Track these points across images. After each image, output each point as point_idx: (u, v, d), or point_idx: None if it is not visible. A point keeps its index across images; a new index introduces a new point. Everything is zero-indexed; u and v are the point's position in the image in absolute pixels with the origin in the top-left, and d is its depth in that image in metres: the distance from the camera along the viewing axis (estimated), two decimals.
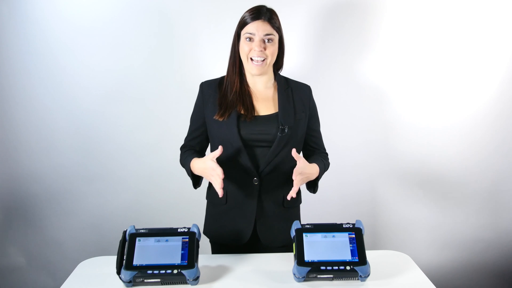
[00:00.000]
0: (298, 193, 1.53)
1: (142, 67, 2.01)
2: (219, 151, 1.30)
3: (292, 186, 1.46)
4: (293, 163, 1.46)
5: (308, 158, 1.52)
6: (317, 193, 2.04)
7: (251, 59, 1.38)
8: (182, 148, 1.54)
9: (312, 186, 1.47)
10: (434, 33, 1.99)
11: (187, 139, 1.53)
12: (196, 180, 1.47)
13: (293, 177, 1.30)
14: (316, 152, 1.54)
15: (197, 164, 1.40)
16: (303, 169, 1.33)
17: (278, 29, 1.39)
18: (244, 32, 1.37)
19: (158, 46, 1.99)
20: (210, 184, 1.53)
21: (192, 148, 1.51)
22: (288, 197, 1.31)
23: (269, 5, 1.41)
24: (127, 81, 2.02)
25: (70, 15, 1.93)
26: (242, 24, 1.39)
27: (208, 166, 1.32)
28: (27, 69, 1.99)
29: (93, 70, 2.00)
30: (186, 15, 1.96)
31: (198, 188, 1.50)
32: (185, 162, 1.46)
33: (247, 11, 1.38)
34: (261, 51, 1.36)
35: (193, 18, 1.96)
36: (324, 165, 1.48)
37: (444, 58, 2.02)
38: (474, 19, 1.97)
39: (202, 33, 1.98)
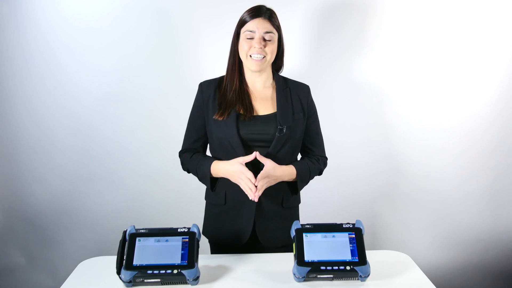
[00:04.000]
0: (296, 195, 1.52)
1: (142, 67, 2.01)
2: (251, 157, 1.33)
3: (290, 187, 1.47)
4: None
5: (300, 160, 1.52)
6: (317, 193, 2.04)
7: (250, 56, 1.38)
8: (183, 152, 1.52)
9: (294, 188, 1.47)
10: (434, 33, 1.99)
11: (187, 142, 1.52)
12: (213, 183, 1.46)
13: (256, 182, 1.31)
14: (311, 154, 1.53)
15: (223, 167, 1.39)
16: (270, 172, 1.34)
17: (278, 28, 1.40)
18: (244, 30, 1.38)
19: (158, 46, 1.99)
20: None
21: (197, 151, 1.50)
22: (254, 199, 1.32)
23: (269, 6, 1.42)
24: (127, 81, 2.02)
25: (70, 15, 1.93)
26: (241, 22, 1.39)
27: (237, 170, 1.33)
28: (27, 69, 1.99)
29: (93, 70, 2.00)
30: (186, 15, 1.96)
31: (197, 189, 1.50)
32: (198, 166, 1.44)
33: (246, 11, 1.39)
34: (261, 48, 1.36)
35: (193, 18, 1.96)
36: (308, 168, 1.45)
37: (444, 58, 2.02)
38: (474, 19, 1.97)
39: (202, 33, 1.98)
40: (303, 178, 1.45)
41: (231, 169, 1.36)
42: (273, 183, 1.38)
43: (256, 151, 1.38)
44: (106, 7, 1.93)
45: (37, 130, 2.07)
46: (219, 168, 1.40)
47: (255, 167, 1.38)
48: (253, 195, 1.31)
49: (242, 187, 1.34)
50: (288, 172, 1.41)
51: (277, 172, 1.36)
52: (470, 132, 2.11)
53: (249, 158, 1.34)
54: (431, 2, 1.96)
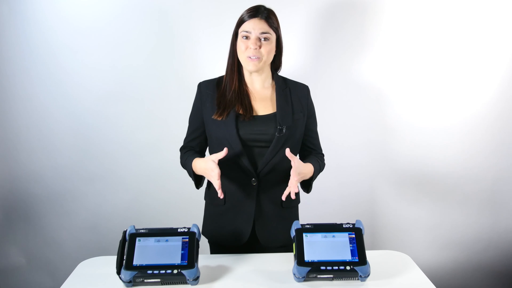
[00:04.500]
0: (297, 193, 1.53)
1: (142, 67, 2.01)
2: (223, 153, 1.31)
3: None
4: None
5: (304, 158, 1.52)
6: (317, 193, 2.04)
7: (247, 56, 1.38)
8: (181, 149, 1.54)
9: (306, 185, 1.47)
10: (434, 33, 1.99)
11: (186, 140, 1.53)
12: (198, 180, 1.47)
13: (292, 178, 1.30)
14: (313, 153, 1.54)
15: (198, 164, 1.40)
16: (301, 169, 1.34)
17: (276, 29, 1.39)
18: (241, 30, 1.38)
19: (158, 46, 1.99)
20: (208, 185, 1.53)
21: (192, 149, 1.52)
22: (283, 197, 1.33)
23: (268, 6, 1.41)
24: (127, 81, 2.02)
25: (70, 15, 1.93)
26: (239, 22, 1.39)
27: (208, 167, 1.33)
28: (27, 69, 1.99)
29: (93, 70, 2.00)
30: (186, 15, 1.96)
31: (198, 188, 1.50)
32: (186, 162, 1.46)
33: (245, 10, 1.39)
34: (256, 49, 1.35)
35: (193, 18, 1.96)
36: (319, 166, 1.48)
37: (443, 58, 2.02)
38: (474, 19, 1.97)
39: (202, 33, 1.97)
40: (316, 175, 1.46)
41: (204, 166, 1.36)
42: (301, 180, 1.38)
43: (255, 151, 1.39)
44: (106, 7, 1.93)
45: (37, 130, 2.07)
46: (196, 166, 1.41)
47: (254, 166, 1.39)
48: (220, 193, 1.30)
49: (213, 183, 1.33)
50: (309, 170, 1.41)
51: (304, 169, 1.37)
52: (470, 132, 2.11)
53: (221, 154, 1.31)
54: (431, 2, 1.95)
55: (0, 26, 1.93)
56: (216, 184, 1.29)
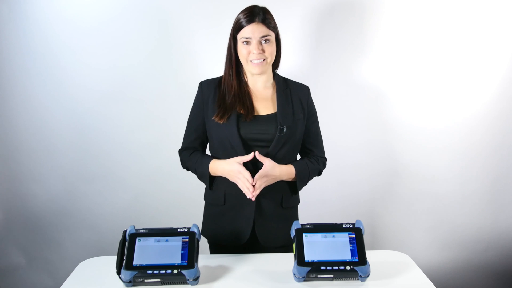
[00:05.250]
0: (295, 193, 1.52)
1: (142, 67, 2.01)
2: (250, 156, 1.33)
3: (290, 186, 1.47)
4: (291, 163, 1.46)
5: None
6: (317, 193, 2.04)
7: (251, 61, 1.38)
8: (182, 150, 1.52)
9: (294, 187, 1.47)
10: (433, 33, 1.99)
11: (187, 141, 1.52)
12: (211, 181, 1.46)
13: (253, 182, 1.32)
14: (310, 155, 1.53)
15: (220, 165, 1.40)
16: (268, 171, 1.34)
17: (274, 28, 1.39)
18: (241, 36, 1.37)
19: (158, 46, 1.99)
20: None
21: (196, 149, 1.50)
22: (252, 198, 1.34)
23: (268, 6, 1.41)
24: (127, 81, 2.02)
25: (70, 15, 1.93)
26: (237, 27, 1.38)
27: (235, 169, 1.34)
28: (27, 69, 1.99)
29: (93, 69, 2.00)
30: (186, 15, 1.96)
31: (197, 189, 1.50)
32: (197, 164, 1.45)
33: (240, 13, 1.38)
34: (260, 53, 1.36)
35: (193, 18, 1.96)
36: (308, 168, 1.46)
37: (443, 58, 2.02)
38: (473, 19, 1.97)
39: (201, 33, 1.97)
40: (302, 178, 1.45)
41: (228, 168, 1.36)
42: (271, 182, 1.38)
43: (256, 150, 1.38)
44: (106, 7, 1.93)
45: (37, 130, 2.07)
46: (216, 167, 1.41)
47: (255, 166, 1.39)
48: (251, 195, 1.31)
49: (239, 186, 1.35)
50: (287, 172, 1.41)
51: (276, 171, 1.37)
52: (470, 133, 2.11)
53: (247, 158, 1.34)
54: (430, 3, 1.95)
55: (0, 26, 1.93)
56: (248, 186, 1.31)
